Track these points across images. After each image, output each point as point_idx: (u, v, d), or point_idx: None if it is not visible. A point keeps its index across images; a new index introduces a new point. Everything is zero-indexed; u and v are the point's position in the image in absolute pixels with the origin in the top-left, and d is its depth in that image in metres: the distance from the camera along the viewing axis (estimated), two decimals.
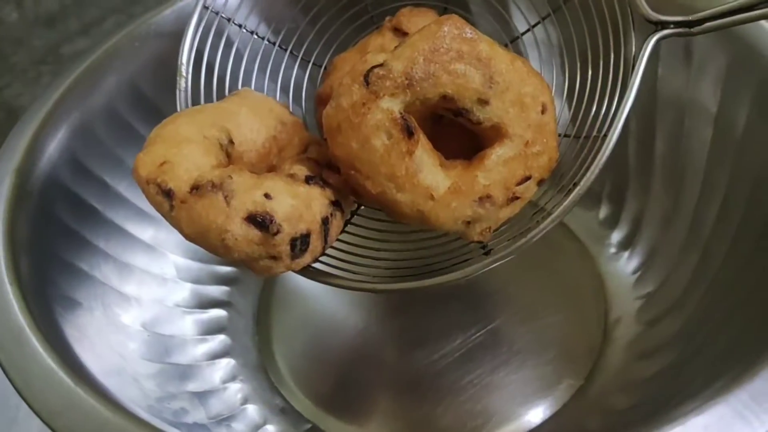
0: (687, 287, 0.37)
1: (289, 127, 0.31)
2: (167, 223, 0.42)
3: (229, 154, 0.28)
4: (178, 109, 0.33)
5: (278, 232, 0.25)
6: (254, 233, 0.25)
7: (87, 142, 0.37)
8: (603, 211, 0.44)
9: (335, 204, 0.27)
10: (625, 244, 0.42)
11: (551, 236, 0.43)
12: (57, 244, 0.35)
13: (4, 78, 0.54)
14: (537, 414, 0.37)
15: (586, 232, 0.44)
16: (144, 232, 0.40)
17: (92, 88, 0.38)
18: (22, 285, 0.30)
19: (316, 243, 0.27)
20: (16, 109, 0.55)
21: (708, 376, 0.27)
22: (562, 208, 0.29)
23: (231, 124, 0.29)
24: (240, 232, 0.25)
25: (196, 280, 0.43)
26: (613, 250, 0.43)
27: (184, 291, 0.42)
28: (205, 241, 0.25)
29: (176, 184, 0.25)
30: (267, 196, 0.25)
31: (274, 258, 0.26)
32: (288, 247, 0.26)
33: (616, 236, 0.43)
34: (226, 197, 0.25)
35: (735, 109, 0.35)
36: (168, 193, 0.25)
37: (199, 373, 0.38)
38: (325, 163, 0.29)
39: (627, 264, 0.42)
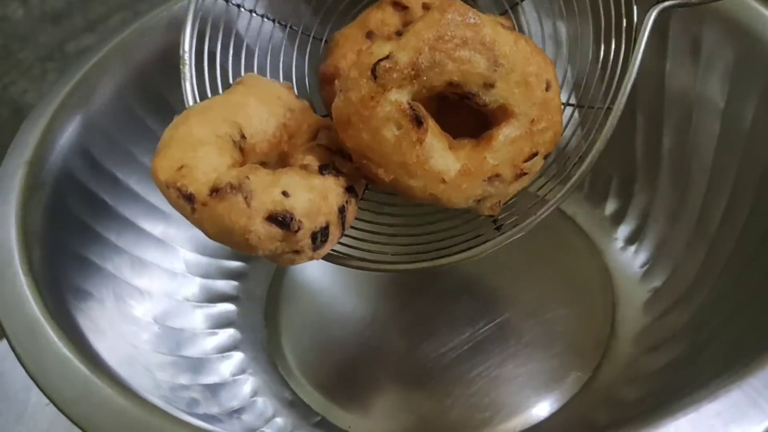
0: (695, 280, 0.37)
1: (298, 114, 0.31)
2: (177, 219, 0.42)
3: (242, 148, 0.28)
4: (185, 98, 0.33)
5: (299, 228, 0.26)
6: (276, 231, 0.25)
7: (97, 136, 0.37)
8: (610, 206, 0.44)
9: (349, 190, 0.28)
10: (633, 239, 0.43)
11: (559, 231, 0.44)
12: (69, 237, 0.35)
13: (10, 75, 0.54)
14: (545, 407, 0.37)
15: (593, 226, 0.44)
16: (155, 227, 0.41)
17: (101, 83, 0.38)
18: (35, 276, 0.30)
19: (335, 232, 0.27)
20: (22, 106, 0.55)
21: (717, 367, 0.28)
22: (570, 182, 0.30)
23: (241, 118, 0.29)
24: (262, 231, 0.25)
25: (206, 275, 0.43)
26: (620, 244, 0.43)
27: (194, 285, 0.42)
28: (230, 240, 0.26)
29: (196, 188, 0.25)
30: (285, 193, 0.26)
31: (297, 252, 0.26)
32: (309, 241, 0.26)
33: (624, 231, 0.43)
34: (245, 198, 0.25)
35: (743, 103, 0.35)
36: (189, 197, 0.25)
37: (210, 366, 0.38)
38: (336, 149, 0.29)
39: (634, 258, 0.42)
